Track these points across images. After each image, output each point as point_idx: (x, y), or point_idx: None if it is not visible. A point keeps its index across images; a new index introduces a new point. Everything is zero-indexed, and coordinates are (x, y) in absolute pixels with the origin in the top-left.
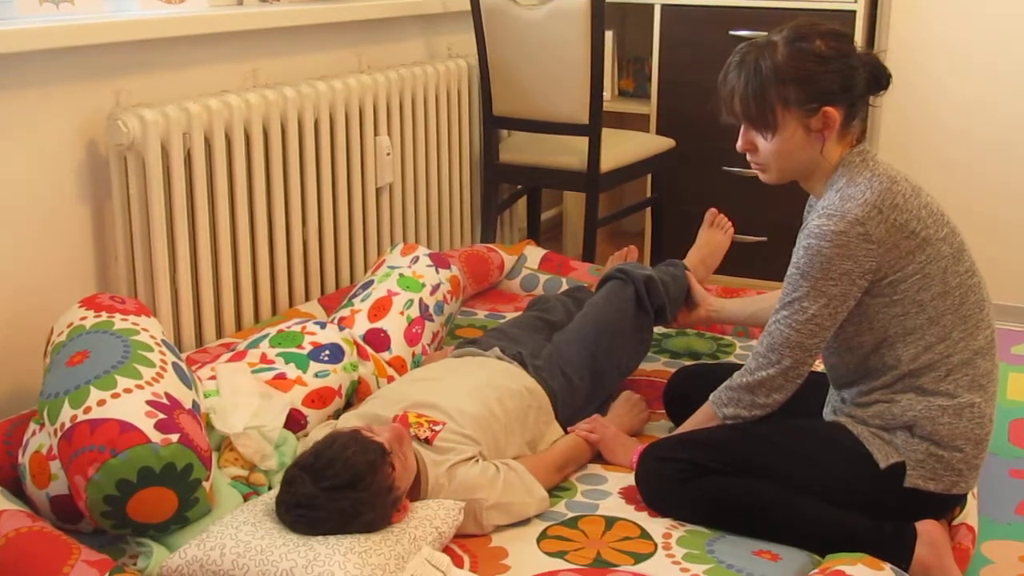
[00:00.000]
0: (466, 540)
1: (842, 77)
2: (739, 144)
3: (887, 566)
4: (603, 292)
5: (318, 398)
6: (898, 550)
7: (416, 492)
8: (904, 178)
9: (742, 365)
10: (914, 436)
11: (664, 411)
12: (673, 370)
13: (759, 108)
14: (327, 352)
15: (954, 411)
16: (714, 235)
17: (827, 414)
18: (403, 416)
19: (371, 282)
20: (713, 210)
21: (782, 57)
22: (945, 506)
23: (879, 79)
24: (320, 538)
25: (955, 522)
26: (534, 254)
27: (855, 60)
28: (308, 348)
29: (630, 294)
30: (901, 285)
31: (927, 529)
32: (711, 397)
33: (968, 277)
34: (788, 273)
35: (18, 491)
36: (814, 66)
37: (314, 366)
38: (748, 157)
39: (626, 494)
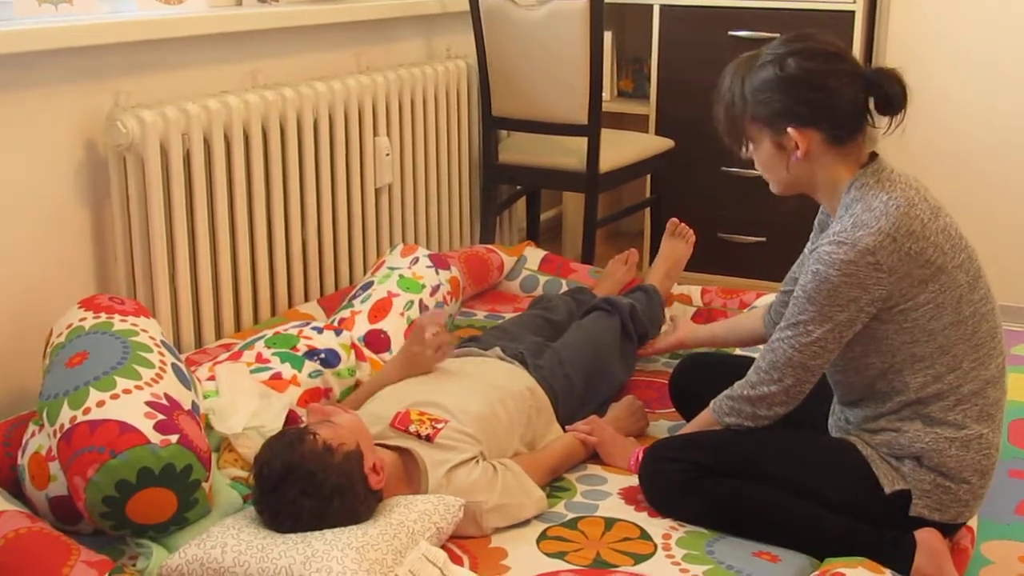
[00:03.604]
0: (466, 541)
1: (810, 99)
2: (743, 152)
3: (887, 571)
4: (591, 317)
5: (312, 399)
6: (897, 558)
7: (416, 491)
8: (923, 198)
9: (746, 359)
10: (922, 466)
11: (665, 411)
12: (671, 370)
13: (731, 122)
14: (322, 355)
15: (962, 443)
16: (676, 245)
17: (832, 426)
18: (405, 413)
19: (371, 283)
20: (674, 220)
21: (752, 75)
22: (946, 531)
23: (884, 101)
24: (318, 534)
25: None
26: (534, 255)
27: (833, 81)
28: (303, 350)
29: (616, 322)
30: (912, 313)
31: (926, 538)
32: (712, 405)
33: (982, 305)
34: (795, 294)
35: (17, 492)
36: (778, 86)
37: (309, 365)
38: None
39: (626, 495)
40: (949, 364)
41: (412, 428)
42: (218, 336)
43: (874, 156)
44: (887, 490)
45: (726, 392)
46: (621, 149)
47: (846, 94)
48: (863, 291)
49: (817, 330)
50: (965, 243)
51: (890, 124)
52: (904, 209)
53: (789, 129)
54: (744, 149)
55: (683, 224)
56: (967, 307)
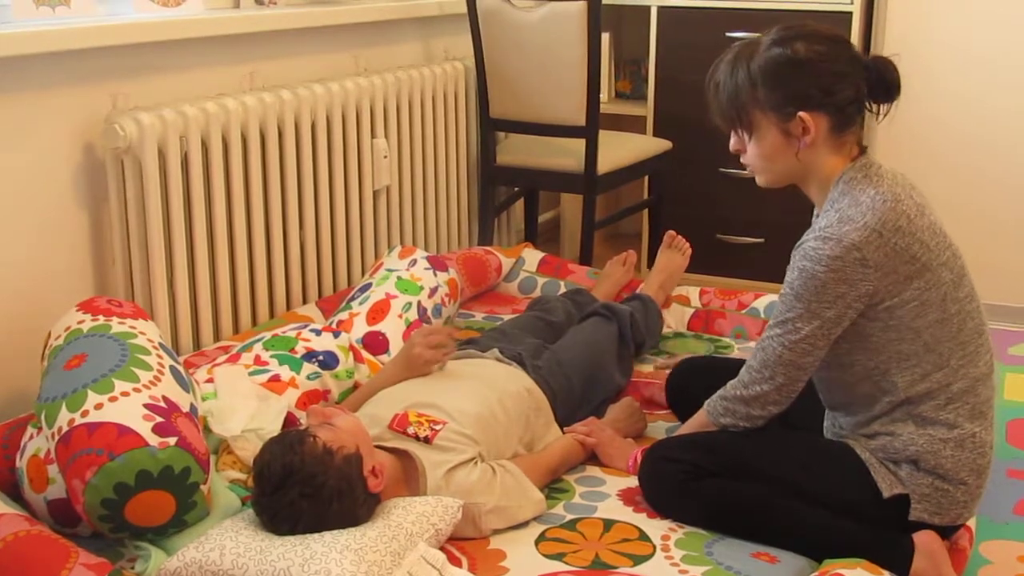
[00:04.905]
0: (464, 542)
1: (821, 82)
2: (731, 144)
3: (886, 572)
4: (590, 322)
5: (311, 401)
6: (895, 560)
7: (415, 493)
8: (909, 194)
9: (741, 361)
10: (919, 470)
11: (663, 412)
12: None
13: (734, 110)
14: (320, 357)
15: (956, 443)
16: (673, 257)
17: (826, 430)
18: (403, 415)
19: (369, 285)
20: (671, 232)
21: (759, 59)
22: (945, 533)
23: (883, 87)
24: (317, 536)
25: None
26: (532, 257)
27: (842, 65)
28: (302, 352)
29: (614, 328)
30: (898, 311)
31: (925, 540)
32: (706, 406)
33: (967, 303)
34: (782, 291)
35: (16, 495)
36: (789, 69)
37: (307, 367)
38: (741, 159)
39: (624, 496)
40: (936, 362)
41: (410, 430)
42: (216, 338)
43: (864, 151)
44: (885, 494)
45: (720, 392)
46: (619, 150)
47: (851, 79)
48: (850, 287)
49: (806, 327)
50: (949, 241)
51: (878, 112)
52: (891, 204)
53: (801, 113)
54: (746, 137)
55: (680, 237)
56: (952, 305)
